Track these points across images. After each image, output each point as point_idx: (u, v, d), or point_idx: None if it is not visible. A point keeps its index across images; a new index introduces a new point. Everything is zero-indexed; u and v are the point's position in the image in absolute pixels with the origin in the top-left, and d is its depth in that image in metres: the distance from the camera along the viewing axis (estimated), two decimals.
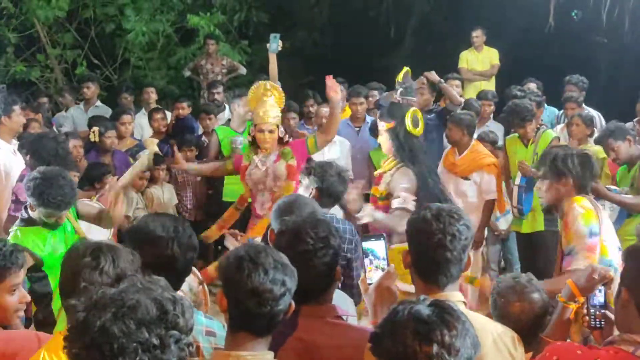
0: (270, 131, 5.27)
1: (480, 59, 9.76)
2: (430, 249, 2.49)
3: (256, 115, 5.33)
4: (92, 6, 11.24)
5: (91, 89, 8.97)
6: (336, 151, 6.96)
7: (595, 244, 3.54)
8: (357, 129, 7.58)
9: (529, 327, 2.99)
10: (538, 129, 6.48)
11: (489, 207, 6.35)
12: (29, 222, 4.23)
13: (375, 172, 5.20)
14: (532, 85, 8.38)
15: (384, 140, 4.89)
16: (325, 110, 7.02)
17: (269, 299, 2.24)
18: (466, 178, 6.28)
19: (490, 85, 9.53)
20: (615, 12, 9.08)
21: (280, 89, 5.57)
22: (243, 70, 10.73)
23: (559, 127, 7.21)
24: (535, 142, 6.37)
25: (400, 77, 5.46)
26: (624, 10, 9.13)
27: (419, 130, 4.82)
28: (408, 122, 4.74)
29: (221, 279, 2.33)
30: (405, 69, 5.48)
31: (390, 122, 4.82)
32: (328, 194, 4.29)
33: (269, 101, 5.37)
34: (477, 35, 9.73)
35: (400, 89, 5.26)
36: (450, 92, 7.05)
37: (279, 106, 5.46)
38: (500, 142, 7.06)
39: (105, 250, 2.52)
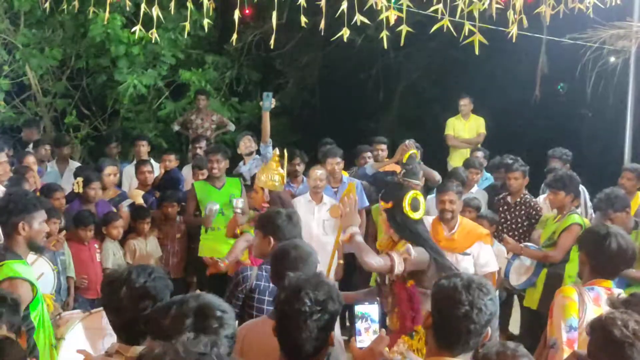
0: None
1: (467, 127, 9.83)
2: (455, 319, 2.51)
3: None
4: (85, 57, 11.31)
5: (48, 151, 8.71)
6: (326, 212, 6.91)
7: (574, 339, 3.44)
8: (335, 189, 7.50)
9: None
10: None
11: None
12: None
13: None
14: (480, 154, 8.46)
15: (382, 220, 4.65)
16: (319, 172, 6.98)
17: None
18: (464, 253, 5.90)
19: None
20: (600, 87, 9.24)
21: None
22: (232, 127, 10.79)
23: (541, 197, 7.25)
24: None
25: (405, 159, 5.37)
26: (609, 85, 9.30)
27: (419, 215, 4.51)
28: (406, 205, 4.47)
29: None
30: (412, 151, 5.38)
31: (389, 202, 4.56)
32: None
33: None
34: (465, 103, 9.82)
35: (404, 170, 5.20)
36: (428, 172, 6.92)
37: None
38: (483, 210, 7.06)
39: None
